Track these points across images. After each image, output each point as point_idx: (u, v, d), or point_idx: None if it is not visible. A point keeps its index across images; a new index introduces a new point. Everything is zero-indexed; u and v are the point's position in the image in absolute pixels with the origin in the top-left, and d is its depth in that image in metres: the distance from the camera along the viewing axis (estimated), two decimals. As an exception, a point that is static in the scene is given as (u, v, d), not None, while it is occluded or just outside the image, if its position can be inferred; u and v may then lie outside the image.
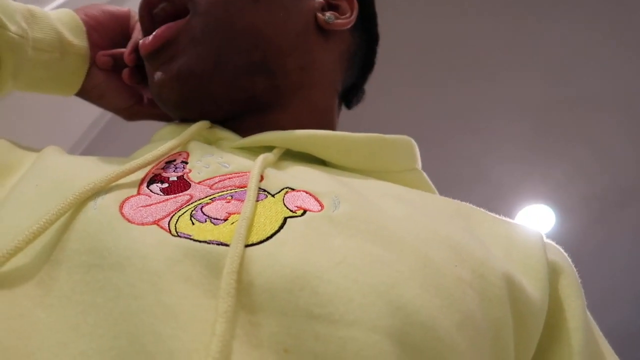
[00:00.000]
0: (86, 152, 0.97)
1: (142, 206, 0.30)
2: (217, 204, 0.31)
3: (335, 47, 0.50)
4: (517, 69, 1.75)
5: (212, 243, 0.27)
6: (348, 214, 0.30)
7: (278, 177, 0.34)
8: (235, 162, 0.36)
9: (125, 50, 0.48)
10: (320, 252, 0.27)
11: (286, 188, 0.33)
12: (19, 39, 0.42)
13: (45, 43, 0.44)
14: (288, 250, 0.27)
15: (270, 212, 0.30)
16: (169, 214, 0.30)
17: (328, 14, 0.48)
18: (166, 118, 0.52)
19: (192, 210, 0.30)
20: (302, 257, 0.26)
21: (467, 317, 0.27)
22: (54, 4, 0.81)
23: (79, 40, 0.47)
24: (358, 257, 0.27)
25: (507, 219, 0.39)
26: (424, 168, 0.48)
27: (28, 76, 0.45)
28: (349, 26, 0.49)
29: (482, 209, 0.40)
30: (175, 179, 0.34)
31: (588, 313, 0.36)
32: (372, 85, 0.59)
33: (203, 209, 0.30)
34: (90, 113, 0.92)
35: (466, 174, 1.85)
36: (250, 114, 0.45)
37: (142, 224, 0.28)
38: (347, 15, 0.49)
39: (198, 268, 0.25)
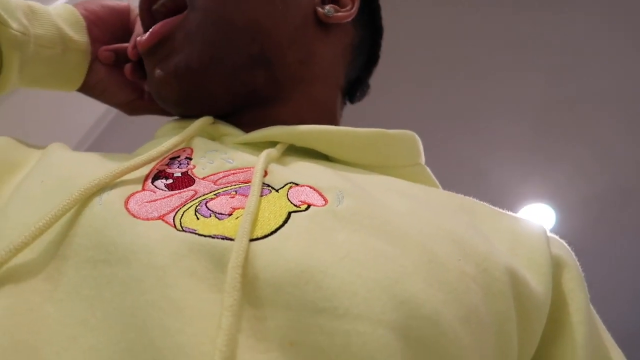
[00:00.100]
0: (92, 148, 0.97)
1: (147, 202, 0.30)
2: (222, 199, 0.31)
3: (336, 40, 0.49)
4: (517, 69, 1.75)
5: (217, 237, 0.27)
6: (352, 209, 0.30)
7: (282, 173, 0.34)
8: (239, 157, 0.36)
9: (128, 45, 0.48)
10: (325, 246, 0.27)
11: (290, 183, 0.33)
12: (21, 36, 0.42)
13: (46, 39, 0.44)
14: (292, 245, 0.27)
15: (274, 207, 0.30)
16: (174, 209, 0.30)
17: (327, 7, 0.47)
18: (168, 113, 0.52)
19: (197, 206, 0.30)
20: (306, 251, 0.26)
21: (470, 311, 0.28)
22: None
23: (79, 36, 0.47)
24: (362, 251, 0.27)
25: (511, 213, 0.39)
26: (423, 168, 0.47)
27: (30, 73, 0.45)
28: (349, 19, 0.48)
29: (485, 203, 0.40)
30: (179, 174, 0.34)
31: (591, 307, 0.36)
32: (373, 85, 0.58)
33: (207, 204, 0.30)
34: (96, 109, 0.92)
35: (466, 173, 1.85)
36: (251, 108, 0.45)
37: (148, 219, 0.28)
38: (348, 8, 0.49)
39: (203, 262, 0.25)
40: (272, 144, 0.41)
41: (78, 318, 0.24)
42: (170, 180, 0.33)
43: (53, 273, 0.26)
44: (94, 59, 0.48)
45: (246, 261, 0.25)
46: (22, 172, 0.35)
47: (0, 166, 0.35)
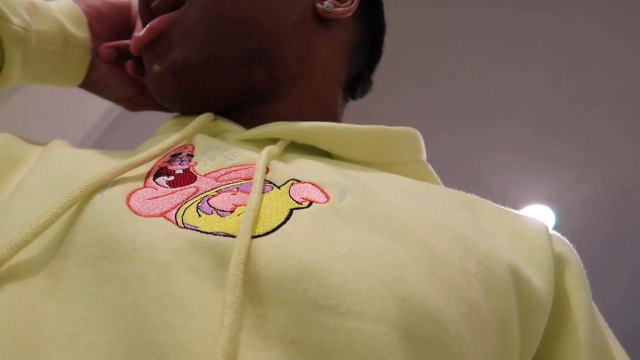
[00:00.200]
0: (96, 144, 0.97)
1: (148, 199, 0.30)
2: (223, 196, 0.31)
3: (336, 36, 0.49)
4: (517, 72, 1.73)
5: (219, 234, 0.27)
6: (354, 206, 0.30)
7: (284, 169, 0.34)
8: (241, 154, 0.36)
9: (129, 42, 0.48)
10: (327, 243, 0.27)
11: (292, 180, 0.33)
12: (23, 31, 0.41)
13: (47, 35, 0.44)
14: (294, 242, 0.26)
15: (276, 204, 0.30)
16: (176, 206, 0.30)
17: (327, 2, 0.46)
18: (169, 109, 0.51)
19: (199, 202, 0.30)
20: (308, 248, 0.26)
21: (472, 308, 0.27)
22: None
23: (80, 32, 0.47)
24: (364, 249, 0.27)
25: (513, 210, 0.39)
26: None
27: (31, 68, 0.45)
28: (349, 14, 0.48)
29: (487, 200, 0.40)
30: (181, 171, 0.34)
31: (593, 304, 0.36)
32: (374, 87, 0.58)
33: (209, 201, 0.30)
34: (100, 106, 0.92)
35: (466, 174, 1.84)
36: (251, 105, 0.45)
37: (149, 216, 0.28)
38: (347, 3, 0.48)
39: (205, 259, 0.25)
40: (273, 140, 0.41)
41: (79, 315, 0.24)
42: (172, 177, 0.33)
43: (55, 270, 0.26)
44: (96, 55, 0.48)
45: (248, 258, 0.25)
46: (23, 169, 0.35)
47: (1, 163, 0.35)
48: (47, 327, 0.23)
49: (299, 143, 0.42)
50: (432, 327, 0.25)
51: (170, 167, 0.35)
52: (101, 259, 0.25)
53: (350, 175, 0.36)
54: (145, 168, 0.34)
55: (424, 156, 0.47)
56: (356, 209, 0.30)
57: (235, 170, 0.34)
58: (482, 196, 0.40)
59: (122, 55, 0.48)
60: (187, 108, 0.46)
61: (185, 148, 0.38)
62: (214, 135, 0.42)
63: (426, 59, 1.71)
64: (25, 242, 0.26)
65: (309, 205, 0.30)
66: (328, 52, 0.48)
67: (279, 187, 0.32)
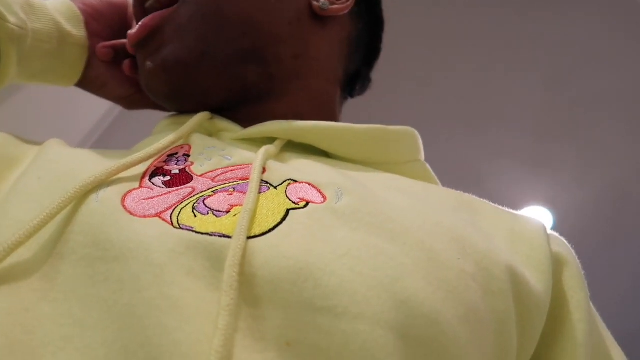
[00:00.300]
0: (96, 145, 0.97)
1: (144, 199, 0.30)
2: (220, 196, 0.31)
3: (333, 34, 0.48)
4: (516, 74, 1.73)
5: (215, 235, 0.27)
6: (351, 206, 0.30)
7: (280, 169, 0.34)
8: (238, 154, 0.36)
9: (127, 41, 0.47)
10: (324, 244, 0.27)
11: (288, 180, 0.33)
12: (19, 30, 0.41)
13: (44, 34, 0.44)
14: (291, 242, 0.26)
15: (272, 204, 0.30)
16: (171, 206, 0.29)
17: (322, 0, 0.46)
18: (166, 108, 0.51)
19: (195, 203, 0.30)
20: (305, 248, 0.26)
21: (470, 309, 0.27)
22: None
23: (77, 30, 0.46)
24: (362, 249, 0.27)
25: (511, 211, 0.39)
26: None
27: (28, 67, 0.44)
28: (345, 12, 0.47)
29: (485, 201, 0.39)
30: (177, 172, 0.34)
31: (591, 305, 0.36)
32: (372, 88, 0.57)
33: (205, 201, 0.30)
34: (101, 106, 0.92)
35: (465, 175, 1.84)
36: (247, 103, 0.44)
37: (145, 217, 0.28)
38: (344, 0, 0.48)
39: (200, 260, 0.25)
40: (271, 139, 0.40)
41: (74, 317, 0.23)
42: (168, 178, 0.33)
43: (49, 272, 0.25)
44: (93, 54, 0.48)
45: (244, 259, 0.25)
46: (19, 169, 0.35)
47: None
48: (41, 329, 0.23)
49: (297, 142, 0.41)
50: (430, 329, 0.25)
51: (166, 167, 0.34)
52: (96, 259, 0.25)
53: (347, 175, 0.36)
54: (141, 168, 0.34)
55: (422, 156, 0.46)
56: (353, 210, 0.29)
57: (231, 170, 0.34)
58: (481, 197, 0.40)
59: (120, 54, 0.48)
60: (180, 106, 0.45)
61: (182, 148, 0.38)
62: (210, 134, 0.42)
63: (426, 59, 1.71)
64: (19, 243, 0.25)
65: (305, 206, 0.30)
66: (325, 50, 0.47)
67: (275, 187, 0.32)
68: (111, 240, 0.26)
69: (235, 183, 0.32)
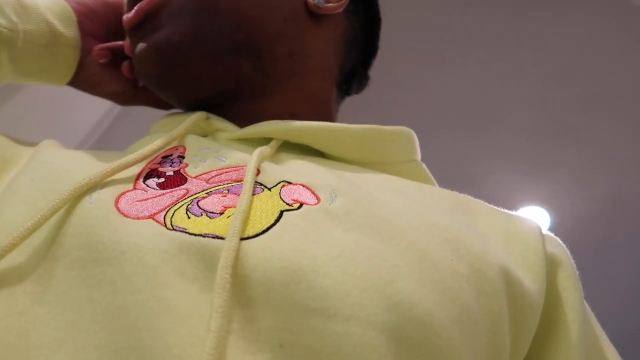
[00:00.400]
0: (95, 146, 0.96)
1: (137, 201, 0.30)
2: (214, 197, 0.31)
3: (329, 32, 0.48)
4: (514, 72, 1.73)
5: (208, 236, 0.27)
6: (345, 207, 0.30)
7: (275, 171, 0.34)
8: (232, 156, 0.36)
9: (125, 43, 0.47)
10: (318, 245, 0.27)
11: (283, 182, 0.33)
12: (8, 32, 0.41)
13: (36, 35, 0.44)
14: (284, 243, 0.26)
15: (266, 206, 0.30)
16: (165, 208, 0.29)
17: None
18: (161, 104, 0.51)
19: (188, 204, 0.30)
20: (298, 250, 0.26)
21: (463, 311, 0.27)
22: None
23: (69, 30, 0.46)
24: (356, 250, 0.27)
25: (507, 211, 0.39)
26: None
27: (20, 68, 0.44)
28: (340, 10, 0.47)
29: (481, 201, 0.40)
30: (171, 173, 0.34)
31: (587, 306, 0.36)
32: (370, 88, 0.57)
33: (199, 203, 0.30)
34: (100, 107, 0.92)
35: (461, 175, 1.84)
36: (241, 100, 0.45)
37: (138, 218, 0.28)
38: None
39: (194, 262, 0.25)
40: (267, 140, 0.40)
41: (67, 320, 0.23)
42: (162, 179, 0.33)
43: (43, 275, 0.25)
44: (86, 53, 0.47)
45: (237, 260, 0.25)
46: (14, 170, 0.35)
47: None
48: (35, 332, 0.23)
49: (293, 142, 0.41)
50: (423, 331, 0.25)
51: (160, 169, 0.34)
52: (89, 261, 0.25)
53: (342, 177, 0.36)
54: (135, 170, 0.34)
55: (419, 156, 0.47)
56: (347, 211, 0.30)
57: (226, 172, 0.34)
58: (478, 197, 0.40)
59: (116, 56, 0.48)
60: (171, 93, 0.45)
61: (177, 149, 0.38)
62: (206, 134, 0.42)
63: (422, 59, 1.71)
64: (13, 245, 0.25)
65: (299, 207, 0.30)
66: (320, 48, 0.47)
67: (269, 189, 0.32)
68: (104, 242, 0.26)
69: (229, 185, 0.32)
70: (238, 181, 0.33)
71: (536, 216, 2.12)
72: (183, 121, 0.41)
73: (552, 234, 0.38)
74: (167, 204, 0.30)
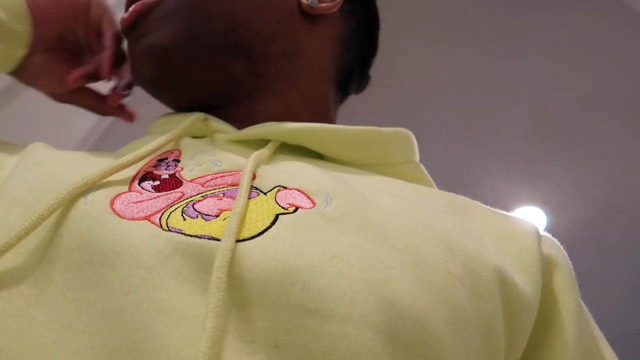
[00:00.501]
0: (93, 148, 0.96)
1: (133, 202, 0.30)
2: (209, 200, 0.31)
3: (324, 32, 0.48)
4: (511, 71, 1.73)
5: (204, 237, 0.27)
6: (340, 210, 0.30)
7: (270, 176, 0.34)
8: (228, 160, 0.36)
9: (104, 64, 0.47)
10: (313, 246, 0.27)
11: (278, 186, 0.33)
12: None
13: None
14: (280, 245, 0.26)
15: (262, 209, 0.30)
16: (160, 210, 0.30)
17: None
18: (94, 108, 0.51)
19: (184, 207, 0.30)
20: (294, 251, 0.26)
21: (457, 312, 0.28)
22: None
23: (19, 26, 0.44)
24: (350, 251, 0.27)
25: (503, 212, 0.39)
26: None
27: None
28: (334, 9, 0.47)
29: (477, 202, 0.40)
30: (166, 176, 0.34)
31: (584, 306, 0.36)
32: (368, 88, 0.57)
33: (195, 206, 0.30)
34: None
35: (458, 176, 1.84)
36: (238, 100, 0.45)
37: (134, 219, 0.28)
38: None
39: (189, 263, 0.25)
40: (265, 141, 0.40)
41: (63, 322, 0.23)
42: (157, 182, 0.33)
43: (39, 277, 0.25)
44: (33, 51, 0.46)
45: (232, 262, 0.25)
46: (3, 172, 0.35)
47: None
48: (31, 334, 0.23)
49: (290, 144, 0.41)
50: (417, 332, 0.25)
51: (156, 172, 0.34)
52: (85, 263, 0.25)
53: (338, 180, 0.36)
54: (130, 172, 0.34)
55: (417, 157, 0.47)
56: (342, 213, 0.30)
57: (221, 177, 0.34)
58: (475, 197, 0.40)
59: (90, 79, 0.48)
60: (167, 95, 0.46)
61: (172, 153, 0.38)
62: (204, 135, 0.42)
63: (419, 60, 1.71)
64: (10, 246, 0.25)
65: (295, 211, 0.30)
66: (316, 48, 0.47)
67: (265, 194, 0.32)
68: (99, 244, 0.26)
69: (225, 189, 0.32)
70: (233, 185, 0.33)
71: (532, 216, 2.12)
72: (181, 122, 0.41)
73: (549, 235, 0.38)
74: (163, 206, 0.30)
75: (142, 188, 0.32)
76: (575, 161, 1.94)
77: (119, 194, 0.30)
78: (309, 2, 0.45)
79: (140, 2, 0.44)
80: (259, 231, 0.27)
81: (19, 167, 0.34)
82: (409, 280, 0.26)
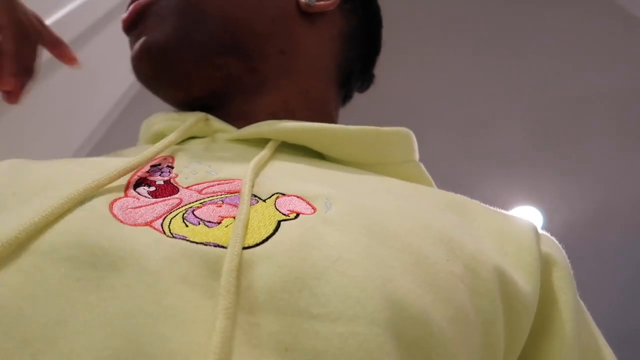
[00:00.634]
0: (93, 151, 0.96)
1: (131, 208, 0.30)
2: (209, 207, 0.31)
3: (323, 30, 0.48)
4: (509, 71, 1.73)
5: (210, 245, 0.27)
6: (340, 212, 0.31)
7: (268, 183, 0.34)
8: (224, 170, 0.36)
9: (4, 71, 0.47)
10: (317, 251, 0.27)
11: (277, 193, 0.33)
12: None
13: None
14: (285, 252, 0.26)
15: (263, 216, 0.30)
16: (161, 216, 0.29)
17: None
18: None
19: (184, 213, 0.30)
20: (299, 257, 0.26)
21: (459, 311, 0.28)
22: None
23: None
24: (353, 251, 0.27)
25: (502, 211, 0.40)
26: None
27: None
28: (332, 7, 0.48)
29: (477, 201, 0.40)
30: (162, 182, 0.34)
31: (583, 305, 0.37)
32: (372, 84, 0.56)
33: (195, 212, 0.30)
34: (98, 112, 0.91)
35: (455, 175, 1.84)
36: (236, 99, 0.45)
37: (135, 225, 0.28)
38: None
39: (196, 269, 0.25)
40: (265, 139, 0.41)
41: (57, 318, 0.22)
42: (153, 188, 0.33)
43: (25, 265, 0.23)
44: None
45: (240, 268, 0.25)
46: None
47: None
48: (18, 328, 0.21)
49: (291, 142, 0.42)
50: (420, 330, 0.25)
51: (150, 178, 0.34)
52: (85, 263, 0.24)
53: (337, 182, 0.36)
54: (124, 178, 0.33)
55: (417, 156, 0.47)
56: (343, 214, 0.30)
57: (218, 184, 0.34)
58: (471, 196, 0.41)
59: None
60: (166, 93, 0.46)
61: (165, 160, 0.38)
62: (206, 134, 0.43)
63: (416, 60, 1.71)
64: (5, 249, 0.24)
65: (296, 217, 0.30)
66: (314, 47, 0.48)
67: (264, 201, 0.32)
68: (102, 247, 0.25)
69: (223, 196, 0.32)
70: (230, 193, 0.33)
71: (528, 216, 2.12)
72: (185, 119, 0.41)
73: (547, 234, 0.38)
74: (162, 212, 0.29)
75: (138, 193, 0.31)
76: (572, 162, 1.94)
77: (116, 199, 0.30)
78: (307, 0, 0.46)
79: (138, 2, 0.45)
80: (263, 238, 0.27)
81: (1, 180, 0.32)
82: (410, 280, 0.27)
